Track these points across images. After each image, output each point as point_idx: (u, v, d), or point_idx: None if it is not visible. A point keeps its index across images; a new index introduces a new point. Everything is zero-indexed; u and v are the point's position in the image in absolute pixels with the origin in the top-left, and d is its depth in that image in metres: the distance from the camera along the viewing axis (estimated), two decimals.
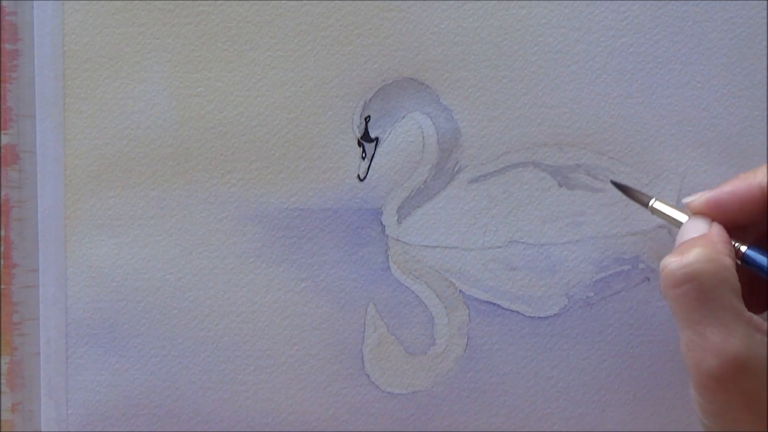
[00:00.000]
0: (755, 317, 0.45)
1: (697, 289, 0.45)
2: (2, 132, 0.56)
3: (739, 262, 0.47)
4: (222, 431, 0.56)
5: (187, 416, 0.56)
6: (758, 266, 0.47)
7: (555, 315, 0.56)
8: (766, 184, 0.47)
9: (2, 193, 0.56)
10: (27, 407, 0.57)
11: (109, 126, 0.56)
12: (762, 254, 0.47)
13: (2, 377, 0.57)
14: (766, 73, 0.55)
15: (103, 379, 0.56)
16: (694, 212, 0.49)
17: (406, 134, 0.55)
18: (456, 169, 0.55)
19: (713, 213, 0.48)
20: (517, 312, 0.56)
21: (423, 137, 0.55)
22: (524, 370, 0.56)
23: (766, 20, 0.55)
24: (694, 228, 0.48)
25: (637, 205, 0.54)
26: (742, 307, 0.45)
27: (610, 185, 0.55)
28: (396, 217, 0.56)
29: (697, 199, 0.49)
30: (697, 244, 0.46)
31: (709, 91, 0.55)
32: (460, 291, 0.56)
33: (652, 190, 0.55)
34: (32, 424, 0.57)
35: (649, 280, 0.56)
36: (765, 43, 0.55)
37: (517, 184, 0.56)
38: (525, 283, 0.56)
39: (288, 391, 0.56)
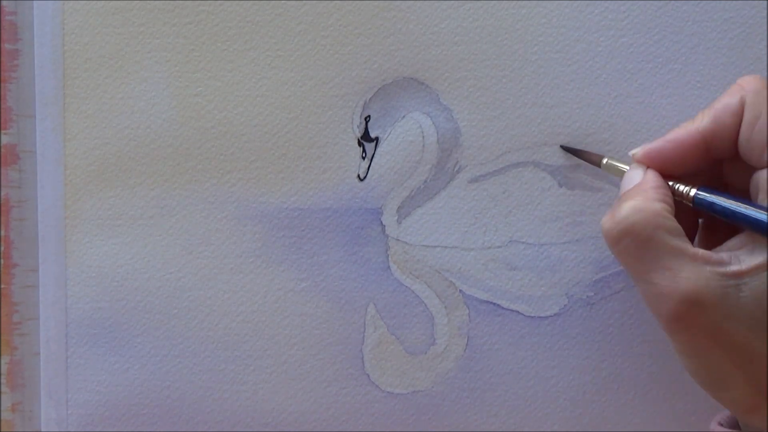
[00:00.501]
0: (702, 251, 0.46)
1: (634, 241, 0.46)
2: (2, 132, 0.56)
3: (691, 206, 0.48)
4: (222, 431, 0.56)
5: (187, 416, 0.56)
6: (707, 205, 0.47)
7: (555, 315, 0.56)
8: (702, 130, 0.48)
9: (2, 193, 0.56)
10: (27, 407, 0.57)
11: (109, 126, 0.56)
12: (709, 193, 0.47)
13: (2, 377, 0.57)
14: (766, 73, 0.55)
15: (103, 379, 0.56)
16: (637, 162, 0.50)
17: (406, 134, 0.55)
18: (456, 169, 0.55)
19: (655, 163, 0.49)
20: (517, 312, 0.56)
21: (423, 137, 0.55)
22: (524, 370, 0.56)
23: (766, 20, 0.55)
24: (632, 177, 0.49)
25: None
26: (685, 245, 0.46)
27: (611, 186, 0.55)
28: (396, 217, 0.56)
29: (640, 150, 0.49)
30: (629, 197, 0.47)
31: (709, 91, 0.55)
32: (460, 291, 0.56)
33: None
34: (32, 424, 0.57)
35: None
36: (765, 43, 0.55)
37: (517, 184, 0.56)
38: (525, 283, 0.56)
39: (288, 391, 0.56)
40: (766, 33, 0.55)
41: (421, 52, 0.55)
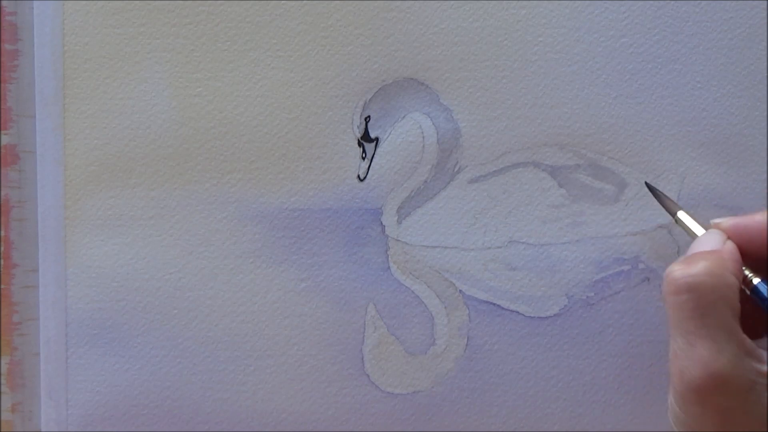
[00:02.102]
0: (748, 340, 0.45)
1: (695, 301, 0.45)
2: (2, 132, 0.56)
3: (747, 292, 0.47)
4: (222, 431, 0.56)
5: (187, 416, 0.56)
6: (763, 300, 0.47)
7: (555, 315, 0.56)
8: None
9: (2, 193, 0.56)
10: (27, 407, 0.57)
11: (109, 126, 0.56)
12: None
13: (2, 377, 0.57)
14: (766, 73, 0.55)
15: (103, 379, 0.56)
16: (718, 229, 0.48)
17: (406, 134, 0.55)
18: (456, 169, 0.55)
19: (736, 236, 0.48)
20: (517, 312, 0.56)
21: (423, 137, 0.55)
22: (524, 370, 0.56)
23: (766, 20, 0.55)
24: (709, 240, 0.48)
25: (638, 205, 0.54)
26: (737, 327, 0.45)
27: (610, 185, 0.55)
28: (396, 217, 0.56)
29: (726, 221, 0.49)
30: (706, 257, 0.46)
31: (709, 91, 0.55)
32: (460, 291, 0.56)
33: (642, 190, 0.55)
34: (32, 424, 0.57)
35: (648, 280, 0.56)
36: (765, 43, 0.55)
37: (517, 184, 0.56)
38: (525, 283, 0.56)
39: (288, 391, 0.56)
40: (766, 33, 0.55)
41: (421, 53, 0.55)
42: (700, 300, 0.45)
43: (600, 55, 0.55)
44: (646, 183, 0.54)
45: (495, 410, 0.56)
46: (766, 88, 0.55)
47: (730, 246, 0.48)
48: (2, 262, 0.56)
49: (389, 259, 0.56)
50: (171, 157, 0.56)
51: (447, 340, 0.56)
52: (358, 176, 0.55)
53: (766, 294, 0.47)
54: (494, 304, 0.56)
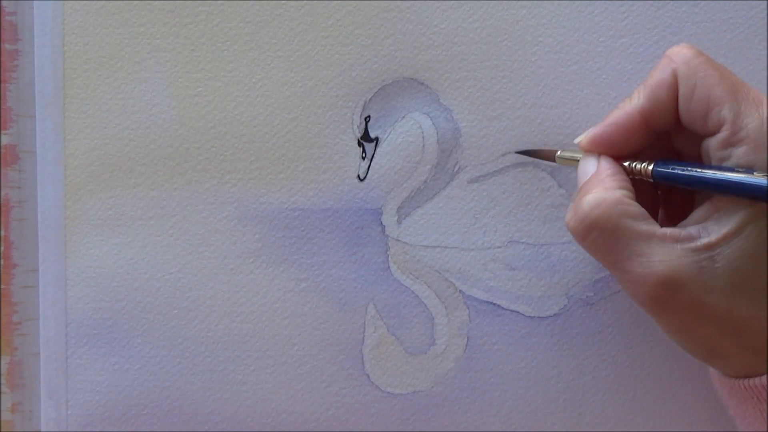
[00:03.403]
0: (670, 230, 0.46)
1: (601, 235, 0.46)
2: (2, 132, 0.56)
3: (651, 180, 0.48)
4: (222, 431, 0.56)
5: (187, 416, 0.56)
6: (668, 177, 0.47)
7: (555, 315, 0.56)
8: (641, 108, 0.48)
9: (2, 193, 0.56)
10: (27, 407, 0.57)
11: (109, 126, 0.56)
12: (668, 166, 0.47)
13: (2, 377, 0.57)
14: (766, 74, 0.55)
15: (103, 379, 0.56)
16: (585, 151, 0.50)
17: (406, 134, 0.55)
18: (456, 169, 0.55)
19: (603, 148, 0.49)
20: (517, 312, 0.56)
21: (423, 137, 0.55)
22: (524, 370, 0.56)
23: (766, 20, 0.55)
24: (586, 168, 0.49)
25: None
26: (652, 228, 0.46)
27: None
28: (396, 217, 0.56)
29: (584, 137, 0.50)
30: (588, 190, 0.47)
31: None
32: (460, 291, 0.56)
33: None
34: (32, 424, 0.57)
35: None
36: (765, 43, 0.55)
37: (516, 185, 0.56)
38: (525, 283, 0.56)
39: (288, 391, 0.56)
40: (766, 33, 0.55)
41: (421, 53, 0.55)
42: (603, 232, 0.46)
43: (600, 55, 0.55)
44: (516, 152, 0.54)
45: (495, 410, 0.56)
46: (766, 88, 0.55)
47: (604, 162, 0.49)
48: (2, 262, 0.56)
49: (389, 259, 0.56)
50: (171, 157, 0.56)
51: (447, 340, 0.56)
52: (358, 176, 0.55)
53: (664, 173, 0.47)
54: (494, 304, 0.56)
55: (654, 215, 0.48)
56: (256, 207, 0.56)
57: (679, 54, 0.47)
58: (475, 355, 0.56)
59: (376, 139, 0.55)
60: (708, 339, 0.46)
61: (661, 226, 0.46)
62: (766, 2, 0.55)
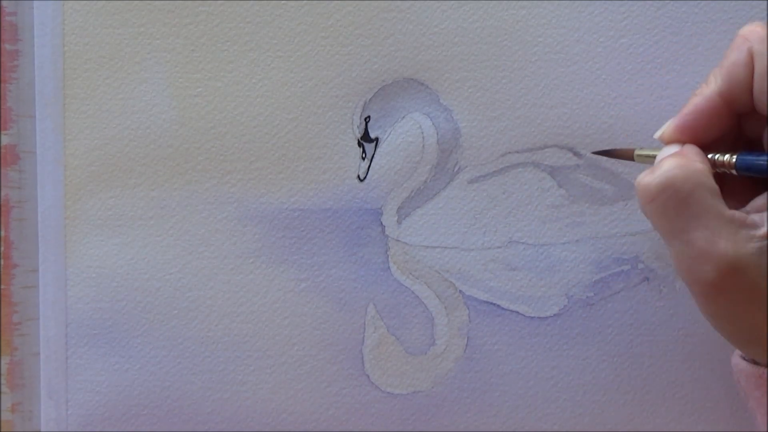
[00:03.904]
0: (738, 213, 0.45)
1: (674, 197, 0.45)
2: (2, 132, 0.56)
3: (734, 173, 0.47)
4: (222, 431, 0.56)
5: (187, 416, 0.56)
6: (754, 167, 0.47)
7: (555, 315, 0.56)
8: (720, 91, 0.47)
9: (2, 193, 0.56)
10: (27, 407, 0.57)
11: (109, 126, 0.56)
12: (751, 155, 0.47)
13: (2, 377, 0.57)
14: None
15: (103, 379, 0.56)
16: (666, 142, 0.49)
17: (406, 134, 0.55)
18: (456, 169, 0.55)
19: (684, 136, 0.48)
20: (517, 312, 0.56)
21: (423, 137, 0.55)
22: (524, 370, 0.56)
23: (766, 20, 0.55)
24: (667, 150, 0.48)
25: (637, 205, 0.54)
26: (722, 206, 0.45)
27: (610, 185, 0.55)
28: (396, 218, 0.56)
29: (666, 129, 0.49)
30: (668, 159, 0.46)
31: None
32: (460, 291, 0.56)
33: None
34: (32, 424, 0.57)
35: (648, 280, 0.56)
36: None
37: (517, 184, 0.56)
38: (525, 283, 0.56)
39: (288, 391, 0.56)
40: None
41: (421, 53, 0.55)
42: (678, 194, 0.45)
43: (600, 55, 0.55)
44: (592, 152, 0.54)
45: (495, 410, 0.56)
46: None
47: (689, 146, 0.48)
48: (2, 262, 0.56)
49: (389, 259, 0.56)
50: (171, 157, 0.56)
51: (447, 340, 0.56)
52: (358, 176, 0.55)
53: (752, 158, 0.46)
54: (494, 304, 0.56)
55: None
56: (256, 207, 0.56)
57: (754, 32, 0.47)
58: (475, 355, 0.56)
59: (376, 139, 0.55)
60: (756, 326, 0.45)
61: None
62: (766, 2, 0.55)
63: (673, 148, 0.48)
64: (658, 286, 0.55)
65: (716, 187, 0.46)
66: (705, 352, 0.55)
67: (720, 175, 0.47)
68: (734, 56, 0.47)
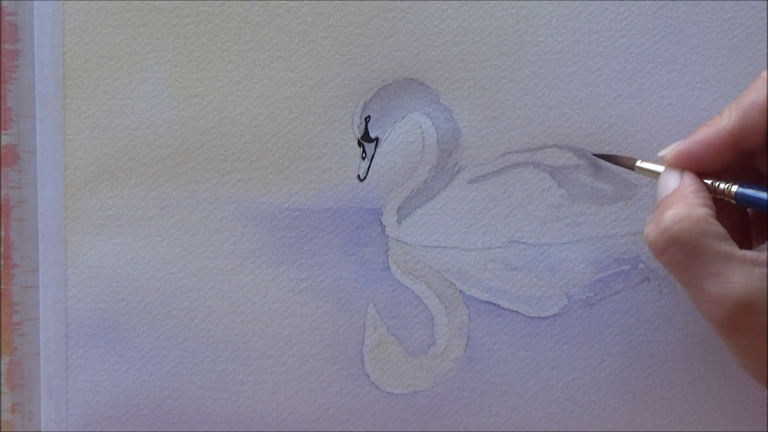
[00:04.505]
0: (749, 253, 0.45)
1: (681, 251, 0.46)
2: (2, 132, 0.56)
3: (733, 202, 0.48)
4: (222, 431, 0.56)
5: (187, 416, 0.56)
6: (750, 201, 0.47)
7: (555, 315, 0.56)
8: (731, 129, 0.48)
9: (2, 193, 0.56)
10: (27, 407, 0.57)
11: (109, 126, 0.56)
12: (751, 188, 0.47)
13: (2, 377, 0.57)
14: (766, 74, 0.55)
15: (103, 379, 0.56)
16: (669, 164, 0.49)
17: (406, 134, 0.55)
18: (456, 169, 0.55)
19: (688, 164, 0.49)
20: (517, 312, 0.56)
21: (423, 137, 0.55)
22: (524, 370, 0.56)
23: (766, 20, 0.55)
24: (668, 182, 0.49)
25: (638, 205, 0.54)
26: (732, 249, 0.46)
27: (610, 185, 0.55)
28: (396, 217, 0.56)
29: (670, 151, 0.49)
30: (670, 204, 0.47)
31: (709, 91, 0.55)
32: (460, 291, 0.56)
33: (652, 190, 0.55)
34: (32, 424, 0.57)
35: (648, 280, 0.56)
36: (765, 43, 0.55)
37: (517, 184, 0.56)
38: (525, 283, 0.56)
39: (288, 391, 0.56)
40: (766, 33, 0.55)
41: (421, 53, 0.55)
42: (684, 248, 0.46)
43: (600, 55, 0.55)
44: (593, 155, 0.54)
45: (495, 410, 0.56)
46: (766, 89, 0.54)
47: (687, 178, 0.49)
48: (2, 262, 0.56)
49: (389, 259, 0.56)
50: (171, 157, 0.56)
51: (447, 340, 0.56)
52: (358, 176, 0.55)
53: (747, 196, 0.47)
54: (494, 304, 0.56)
55: (731, 233, 0.47)
56: (256, 207, 0.56)
57: None
58: (475, 355, 0.56)
59: (376, 139, 0.55)
60: None
61: (733, 239, 0.46)
62: (766, 2, 0.55)
63: (673, 177, 0.49)
64: (658, 286, 0.55)
65: (722, 229, 0.46)
66: (705, 352, 0.55)
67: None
68: (753, 97, 0.47)
